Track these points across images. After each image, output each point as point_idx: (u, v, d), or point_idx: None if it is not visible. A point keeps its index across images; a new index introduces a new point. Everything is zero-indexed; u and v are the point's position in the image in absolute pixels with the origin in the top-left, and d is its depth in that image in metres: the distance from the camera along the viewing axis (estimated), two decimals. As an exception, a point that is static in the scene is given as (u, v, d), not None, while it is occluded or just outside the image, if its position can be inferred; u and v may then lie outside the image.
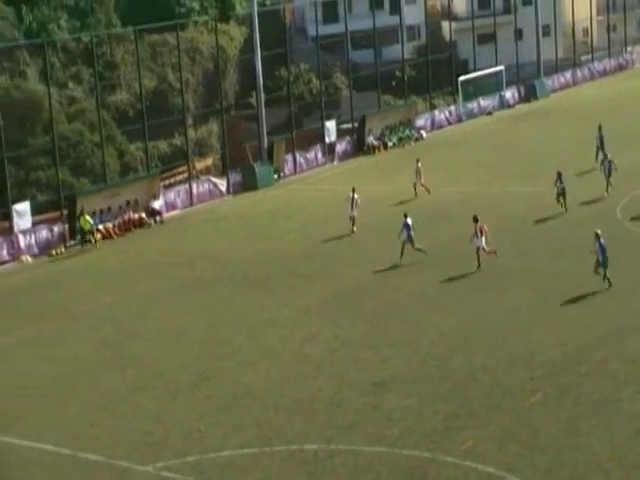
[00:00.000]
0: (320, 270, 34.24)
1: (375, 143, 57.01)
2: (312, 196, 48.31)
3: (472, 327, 27.82)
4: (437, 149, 56.33)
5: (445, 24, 70.05)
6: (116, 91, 48.62)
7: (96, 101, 45.81)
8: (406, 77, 62.22)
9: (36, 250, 41.28)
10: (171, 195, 47.51)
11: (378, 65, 60.38)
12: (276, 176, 51.63)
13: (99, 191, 44.24)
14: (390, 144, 57.70)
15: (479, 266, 32.27)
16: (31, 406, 25.08)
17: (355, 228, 38.61)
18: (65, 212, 42.65)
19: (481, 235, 32.17)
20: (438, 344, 26.82)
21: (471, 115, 65.30)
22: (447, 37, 68.80)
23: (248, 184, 50.20)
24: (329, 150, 55.76)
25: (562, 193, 37.88)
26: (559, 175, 38.09)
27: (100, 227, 42.59)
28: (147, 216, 44.81)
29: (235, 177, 50.47)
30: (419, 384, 24.20)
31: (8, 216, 40.95)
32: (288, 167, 53.35)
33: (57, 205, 43.01)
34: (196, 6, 56.49)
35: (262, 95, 51.29)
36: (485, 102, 66.72)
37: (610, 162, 40.06)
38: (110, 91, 48.28)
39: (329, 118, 56.55)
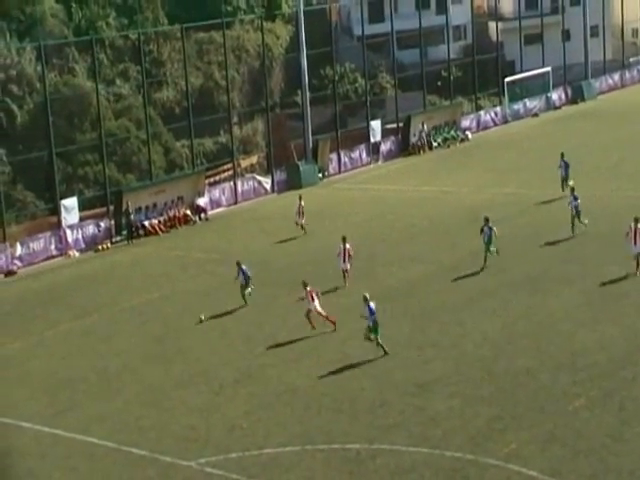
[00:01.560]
0: (363, 270, 34.24)
1: (420, 143, 56.94)
2: (356, 195, 48.33)
3: (516, 330, 27.72)
4: (482, 150, 56.13)
5: (492, 24, 69.73)
6: (162, 88, 48.98)
7: (143, 98, 46.17)
8: (452, 77, 62.06)
9: (83, 245, 41.83)
10: (216, 192, 47.82)
11: (424, 65, 60.27)
12: (320, 175, 51.78)
13: (145, 188, 44.65)
14: (435, 144, 57.58)
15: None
16: (78, 399, 25.42)
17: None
18: (111, 208, 43.13)
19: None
20: (482, 346, 26.74)
21: (517, 116, 65.01)
22: (493, 37, 68.48)
23: (292, 182, 50.37)
24: (374, 150, 55.80)
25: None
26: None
27: (146, 223, 43.07)
28: (192, 213, 45.17)
29: (280, 175, 50.68)
30: (463, 386, 24.14)
31: (56, 211, 41.50)
32: (332, 166, 53.47)
33: (104, 201, 43.50)
34: (243, 4, 56.78)
35: (307, 94, 51.40)
36: (531, 103, 66.36)
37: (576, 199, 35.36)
38: (157, 88, 48.65)
39: (374, 118, 56.56)
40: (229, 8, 54.86)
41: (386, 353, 26.08)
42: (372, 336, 26.05)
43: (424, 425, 22.15)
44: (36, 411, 24.69)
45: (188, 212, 44.98)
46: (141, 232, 42.82)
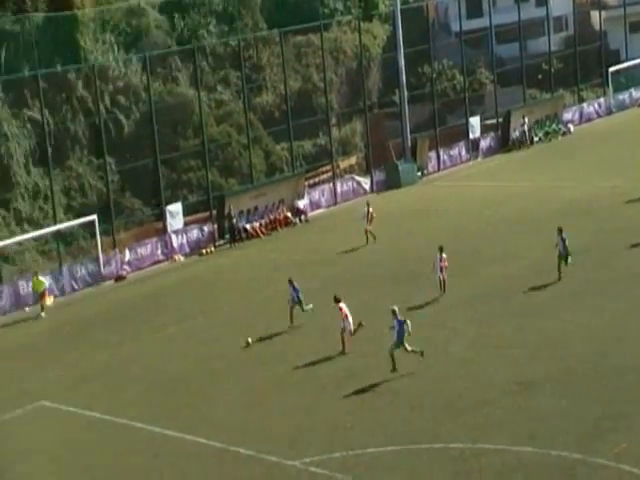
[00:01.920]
0: (466, 267, 33.98)
1: (521, 138, 56.17)
2: (456, 193, 48.00)
3: (624, 327, 27.13)
4: (585, 143, 55.06)
5: (594, 13, 68.15)
6: (262, 93, 49.43)
7: (243, 103, 46.79)
8: (553, 70, 60.98)
9: (187, 249, 42.60)
10: (316, 194, 48.15)
11: (523, 59, 59.44)
12: (419, 173, 51.62)
13: (246, 191, 45.23)
14: (536, 139, 56.73)
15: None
16: (186, 400, 25.90)
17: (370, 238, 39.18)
18: (214, 212, 43.86)
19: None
20: (589, 343, 26.28)
21: (622, 107, 63.55)
22: (596, 27, 67.00)
23: (391, 182, 50.36)
24: (473, 146, 55.33)
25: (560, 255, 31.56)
26: (559, 232, 31.64)
27: (247, 226, 43.69)
28: (292, 215, 45.56)
29: (378, 175, 50.72)
30: (569, 384, 23.77)
31: (162, 217, 42.41)
32: (432, 164, 53.24)
33: (207, 205, 44.21)
34: (340, 6, 56.86)
35: (405, 92, 51.32)
36: (637, 93, 64.74)
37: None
38: (256, 93, 49.13)
39: (473, 114, 56.07)
40: (326, 10, 55.05)
41: (394, 369, 25.36)
42: (395, 351, 25.36)
43: (529, 424, 21.89)
44: (147, 411, 25.25)
45: (289, 214, 45.41)
46: (243, 235, 43.42)
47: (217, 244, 43.32)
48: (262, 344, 29.61)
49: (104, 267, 39.61)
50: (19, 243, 38.56)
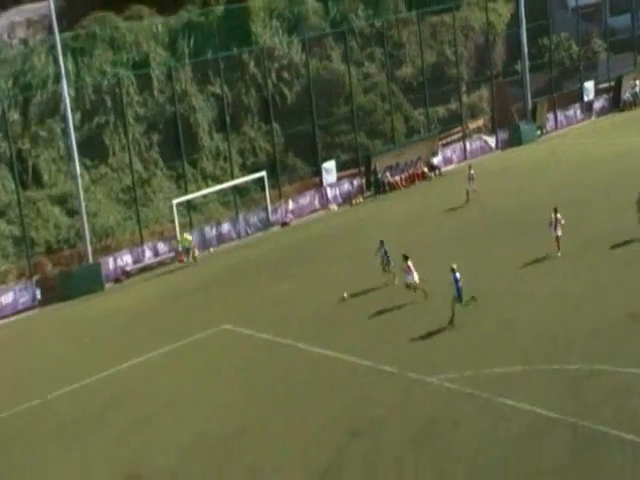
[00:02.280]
0: (579, 218, 32.80)
1: (631, 99, 53.53)
2: (572, 149, 46.26)
3: None
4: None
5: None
6: (402, 66, 48.81)
7: (386, 76, 46.54)
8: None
9: (340, 200, 42.91)
10: (448, 152, 47.54)
11: (635, 28, 56.34)
12: (539, 132, 50.16)
13: (389, 151, 45.05)
14: (645, 100, 53.86)
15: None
16: (341, 326, 26.20)
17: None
18: (362, 169, 43.93)
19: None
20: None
21: None
22: None
23: (514, 140, 49.25)
24: (587, 108, 53.15)
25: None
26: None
27: (390, 180, 43.61)
28: (428, 170, 45.23)
29: (502, 135, 49.61)
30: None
31: (319, 173, 42.80)
32: (550, 124, 51.54)
33: (356, 163, 44.35)
34: (468, -12, 55.15)
35: (527, 62, 49.92)
36: None
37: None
38: (397, 66, 48.56)
39: (587, 79, 53.73)
40: (457, -8, 53.58)
41: (451, 323, 24.30)
42: (457, 305, 24.21)
43: (638, 349, 21.12)
44: (309, 336, 25.54)
45: (425, 169, 45.11)
46: (386, 188, 43.45)
47: (365, 195, 43.46)
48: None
49: (272, 215, 40.34)
50: (204, 196, 39.62)
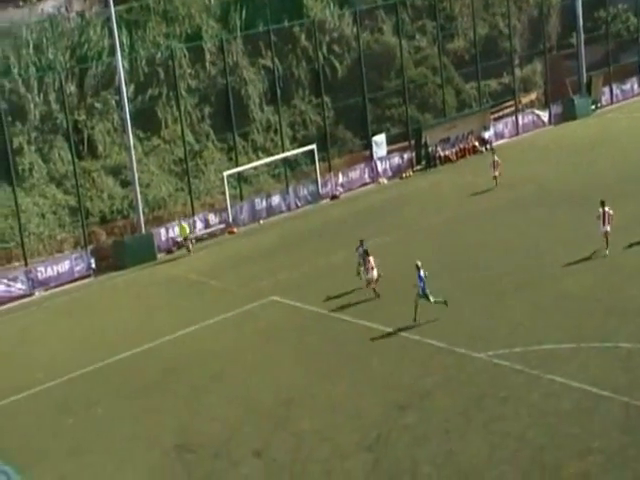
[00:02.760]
0: (633, 191, 32.17)
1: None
2: (627, 124, 45.25)
3: None
4: None
5: None
6: (454, 39, 48.18)
7: (438, 49, 45.95)
8: None
9: (390, 173, 42.69)
10: (500, 126, 46.91)
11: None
12: (593, 107, 49.09)
13: (440, 124, 44.57)
14: None
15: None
16: (388, 299, 26.00)
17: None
18: (413, 142, 43.55)
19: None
20: None
21: None
22: None
23: (568, 115, 48.38)
24: (646, 80, 51.87)
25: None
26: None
27: (441, 154, 43.24)
28: (479, 144, 44.74)
29: (556, 109, 48.76)
30: None
31: (369, 146, 42.57)
32: (605, 98, 50.43)
33: (406, 136, 43.99)
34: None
35: (582, 35, 48.76)
36: None
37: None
38: (449, 39, 47.92)
39: (645, 52, 52.38)
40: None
41: (445, 303, 23.49)
42: (420, 302, 23.30)
43: (690, 330, 20.71)
44: (355, 308, 25.56)
45: (476, 144, 44.65)
46: (437, 161, 43.09)
47: (415, 169, 43.17)
48: (450, 255, 29.31)
49: (322, 188, 40.30)
50: (254, 168, 39.73)
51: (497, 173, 36.62)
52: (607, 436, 17.05)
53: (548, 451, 16.91)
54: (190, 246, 35.11)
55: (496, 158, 37.03)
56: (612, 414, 17.82)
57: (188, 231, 35.35)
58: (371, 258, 26.02)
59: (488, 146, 44.70)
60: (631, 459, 16.21)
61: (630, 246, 25.51)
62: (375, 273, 25.89)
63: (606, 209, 26.30)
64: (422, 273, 23.36)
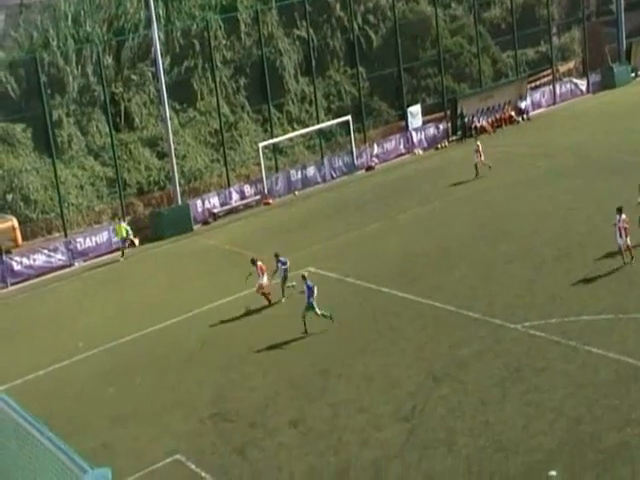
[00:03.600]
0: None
1: None
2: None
3: None
4: None
5: None
6: (490, 7, 47.25)
7: (474, 17, 45.15)
8: None
9: (425, 144, 42.22)
10: (537, 95, 46.10)
11: None
12: (633, 74, 47.95)
13: (476, 94, 43.91)
14: None
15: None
16: (422, 271, 26.03)
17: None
18: (448, 112, 42.97)
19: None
20: None
21: None
22: None
23: (606, 83, 47.39)
24: (686, 49, 50.38)
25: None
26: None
27: (477, 124, 42.60)
28: (516, 114, 44.02)
29: (594, 77, 47.75)
30: None
31: (404, 117, 42.10)
32: (645, 66, 49.20)
33: (442, 107, 43.41)
34: None
35: (622, 1, 47.46)
36: None
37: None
38: (485, 8, 47.03)
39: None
40: None
41: (305, 332, 22.21)
42: (308, 314, 22.21)
43: None
44: (390, 279, 25.57)
45: (512, 113, 43.92)
46: (473, 132, 42.41)
47: (450, 139, 42.61)
48: (486, 226, 29.00)
49: (357, 159, 40.00)
50: (290, 139, 39.52)
51: (479, 160, 34.62)
52: (646, 408, 16.76)
53: (585, 423, 16.69)
54: (126, 249, 32.31)
55: (478, 144, 35.11)
56: (650, 386, 17.51)
57: (125, 233, 32.30)
58: (260, 263, 24.52)
59: (525, 116, 43.98)
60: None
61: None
62: (266, 279, 24.51)
63: (622, 217, 23.12)
64: (309, 283, 22.20)
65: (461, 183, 34.81)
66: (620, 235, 23.14)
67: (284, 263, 25.04)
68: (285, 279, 25.02)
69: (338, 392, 19.30)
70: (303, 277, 22.88)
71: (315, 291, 22.25)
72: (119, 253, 32.50)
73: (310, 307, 22.32)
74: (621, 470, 15.14)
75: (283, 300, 24.94)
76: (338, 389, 19.44)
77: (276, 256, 25.23)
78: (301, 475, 16.55)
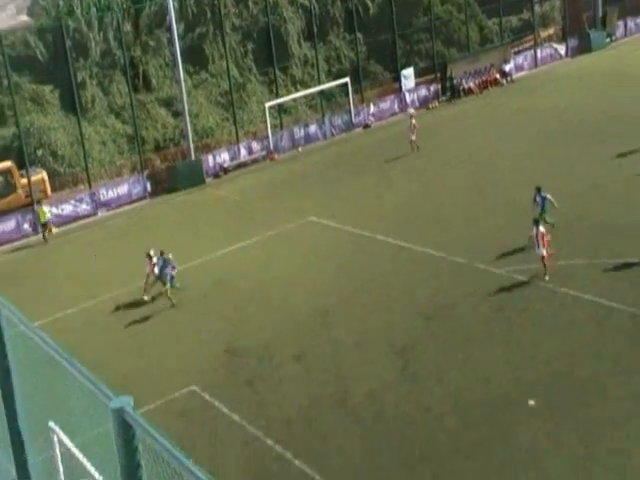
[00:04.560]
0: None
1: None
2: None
3: None
4: None
5: None
6: (478, -23, 45.93)
7: (463, -14, 43.90)
8: None
9: (417, 104, 41.25)
10: (519, 59, 44.98)
11: None
12: (608, 40, 46.73)
13: (464, 58, 42.85)
14: None
15: None
16: (415, 220, 25.49)
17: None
18: (439, 75, 42.00)
19: None
20: None
21: None
22: None
23: (584, 48, 46.20)
24: (657, 16, 49.10)
25: None
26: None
27: (464, 86, 41.69)
28: (500, 77, 42.97)
29: (573, 42, 46.56)
30: None
31: (398, 79, 41.16)
32: (619, 31, 47.96)
33: (433, 70, 42.41)
34: None
35: (598, -28, 46.00)
36: None
37: None
38: (473, -22, 45.71)
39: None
40: None
41: (173, 305, 21.21)
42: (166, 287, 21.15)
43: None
44: (385, 228, 25.10)
45: (497, 76, 42.85)
46: (461, 93, 41.54)
47: (440, 100, 41.67)
48: (475, 177, 28.40)
49: (355, 117, 39.19)
50: (293, 99, 38.66)
51: (414, 137, 31.94)
52: (615, 344, 16.51)
53: (561, 357, 16.44)
54: (47, 233, 28.97)
55: (414, 122, 32.20)
56: (620, 324, 17.26)
57: (48, 216, 29.19)
58: (155, 260, 22.04)
59: (509, 78, 42.99)
60: (638, 364, 15.68)
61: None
62: (156, 269, 21.91)
63: (540, 229, 19.44)
64: (173, 263, 21.13)
65: (450, 140, 34.11)
66: (538, 246, 19.39)
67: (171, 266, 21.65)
68: (163, 277, 21.61)
69: (337, 330, 19.03)
70: (161, 253, 21.53)
71: (175, 270, 21.02)
72: (44, 235, 29.08)
73: (165, 281, 21.12)
74: (592, 399, 14.97)
75: (146, 298, 22.20)
76: (337, 327, 19.17)
77: (161, 254, 21.85)
78: (303, 404, 16.37)
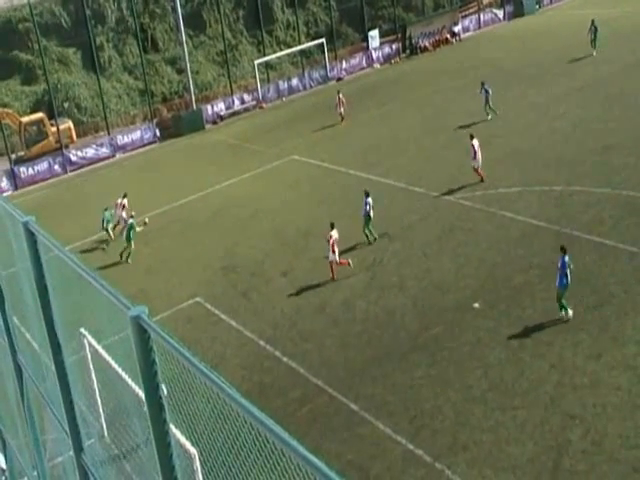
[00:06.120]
0: (569, 70, 30.11)
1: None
2: (566, 20, 41.82)
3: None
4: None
5: None
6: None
7: (419, -41, 41.95)
8: None
9: (382, 60, 40.10)
10: (466, 22, 43.53)
11: None
12: (537, 6, 45.41)
13: (420, 21, 41.46)
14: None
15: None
16: (380, 157, 25.02)
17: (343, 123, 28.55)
18: (399, 36, 40.64)
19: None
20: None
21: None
22: None
23: (517, 12, 44.82)
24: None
25: None
26: None
27: (421, 45, 40.48)
28: (450, 37, 41.70)
29: (509, 8, 45.11)
30: (638, 147, 21.00)
31: (366, 39, 39.82)
32: (546, 0, 46.52)
33: (394, 31, 41.03)
34: None
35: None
36: None
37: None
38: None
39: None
40: None
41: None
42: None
43: (608, 174, 19.74)
44: (357, 164, 24.68)
45: (448, 36, 41.57)
46: (418, 51, 40.36)
47: (401, 56, 40.50)
48: (431, 121, 27.75)
49: (329, 72, 38.01)
50: (278, 58, 37.35)
51: (342, 110, 29.14)
52: (543, 255, 16.50)
53: (500, 267, 16.42)
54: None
55: (341, 96, 29.36)
56: (547, 239, 17.21)
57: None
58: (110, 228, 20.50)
59: (458, 38, 41.77)
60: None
61: (563, 114, 23.85)
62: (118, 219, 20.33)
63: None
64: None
65: (410, 89, 33.28)
66: (332, 251, 16.73)
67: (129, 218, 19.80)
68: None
69: (317, 250, 18.80)
70: (131, 216, 19.88)
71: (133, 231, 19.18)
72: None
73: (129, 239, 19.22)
74: (524, 301, 15.02)
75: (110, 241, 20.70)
76: (317, 248, 18.94)
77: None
78: (290, 311, 16.30)
